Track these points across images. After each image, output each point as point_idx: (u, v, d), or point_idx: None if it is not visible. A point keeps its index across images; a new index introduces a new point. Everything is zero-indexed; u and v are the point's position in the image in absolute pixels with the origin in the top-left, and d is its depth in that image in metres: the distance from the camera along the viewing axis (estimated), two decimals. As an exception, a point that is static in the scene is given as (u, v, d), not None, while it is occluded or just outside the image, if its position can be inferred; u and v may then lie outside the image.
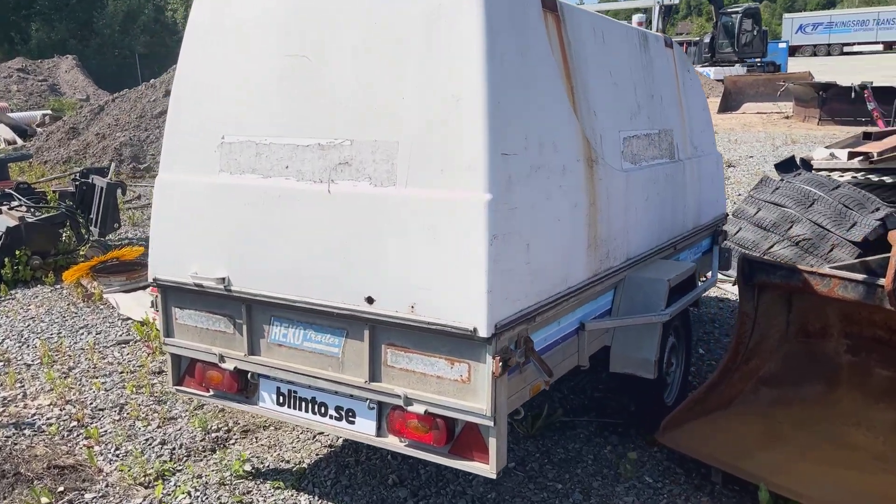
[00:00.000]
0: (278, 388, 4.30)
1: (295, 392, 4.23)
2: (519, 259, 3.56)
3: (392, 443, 3.90)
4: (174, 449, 5.19)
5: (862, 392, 4.69)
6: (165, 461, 5.03)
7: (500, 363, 3.42)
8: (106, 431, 5.46)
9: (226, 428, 5.43)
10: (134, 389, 6.12)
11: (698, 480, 4.55)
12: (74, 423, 5.59)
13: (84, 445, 5.23)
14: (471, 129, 3.40)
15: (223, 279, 4.22)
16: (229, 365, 4.34)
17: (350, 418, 4.02)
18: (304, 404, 4.20)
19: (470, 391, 3.54)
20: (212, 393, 4.58)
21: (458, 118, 3.43)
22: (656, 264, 5.05)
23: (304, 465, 4.88)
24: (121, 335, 7.47)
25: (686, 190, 5.72)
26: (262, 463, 4.94)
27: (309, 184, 3.89)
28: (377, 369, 3.83)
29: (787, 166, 8.77)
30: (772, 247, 7.76)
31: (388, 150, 3.63)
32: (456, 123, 3.43)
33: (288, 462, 4.95)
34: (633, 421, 5.19)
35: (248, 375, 4.36)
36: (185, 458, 5.07)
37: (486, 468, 3.58)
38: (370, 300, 3.73)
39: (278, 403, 4.30)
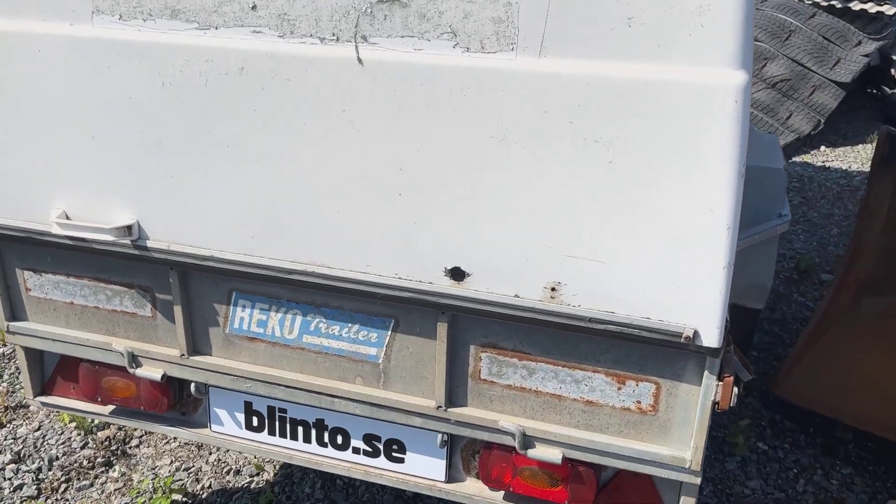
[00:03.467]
0: (248, 405, 2.51)
1: (282, 411, 2.47)
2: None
3: (473, 493, 2.33)
4: (39, 472, 3.26)
5: None
6: (27, 497, 3.11)
7: (731, 387, 1.90)
8: None
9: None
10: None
11: (821, 438, 3.46)
12: None
13: None
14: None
15: (128, 228, 2.22)
16: (151, 372, 2.45)
17: (394, 454, 2.37)
18: (299, 430, 2.47)
19: (655, 428, 2.02)
20: (112, 409, 2.67)
21: None
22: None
23: (260, 483, 3.20)
24: None
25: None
26: (195, 482, 3.19)
27: (309, 45, 1.92)
28: (459, 385, 2.17)
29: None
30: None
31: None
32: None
33: (232, 479, 3.22)
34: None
35: (191, 385, 2.51)
36: (58, 487, 3.17)
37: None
38: (457, 273, 1.99)
39: (248, 427, 2.53)
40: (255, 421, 2.51)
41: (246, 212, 2.12)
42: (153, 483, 3.15)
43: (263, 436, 2.52)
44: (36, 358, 2.69)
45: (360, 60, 1.89)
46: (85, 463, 3.31)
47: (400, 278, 2.04)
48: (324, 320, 2.24)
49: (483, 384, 2.15)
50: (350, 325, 2.22)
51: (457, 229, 1.94)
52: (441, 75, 1.84)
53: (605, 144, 1.77)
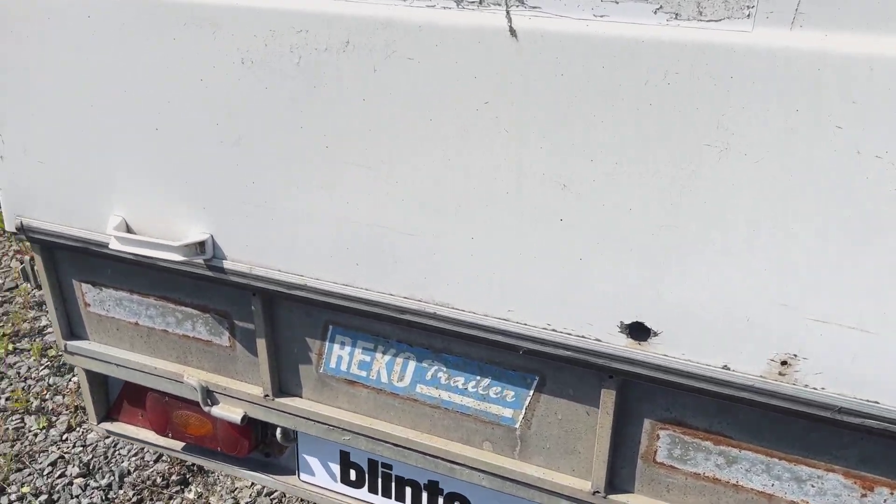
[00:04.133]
0: (345, 455, 2.04)
1: (386, 467, 2.00)
2: None
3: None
4: (109, 489, 2.92)
5: None
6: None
7: None
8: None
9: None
10: (8, 347, 3.66)
11: None
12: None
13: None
14: None
15: (199, 245, 1.75)
16: (228, 412, 2.01)
17: (528, 532, 1.86)
18: (407, 491, 2.00)
19: (913, 551, 1.43)
20: (183, 446, 2.26)
21: None
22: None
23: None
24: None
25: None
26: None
27: (440, 10, 1.37)
28: (624, 467, 1.63)
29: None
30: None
31: None
32: None
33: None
34: None
35: (276, 430, 2.07)
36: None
37: None
38: (639, 331, 1.43)
39: (344, 481, 2.07)
40: (352, 475, 2.05)
41: (349, 232, 1.61)
42: (232, 512, 2.77)
43: (363, 493, 2.06)
44: (99, 380, 2.29)
45: (512, 32, 1.33)
46: (159, 480, 2.96)
47: (554, 331, 1.50)
48: (444, 369, 1.73)
49: (659, 469, 1.60)
50: (479, 377, 1.70)
51: (643, 272, 1.38)
52: (635, 54, 1.26)
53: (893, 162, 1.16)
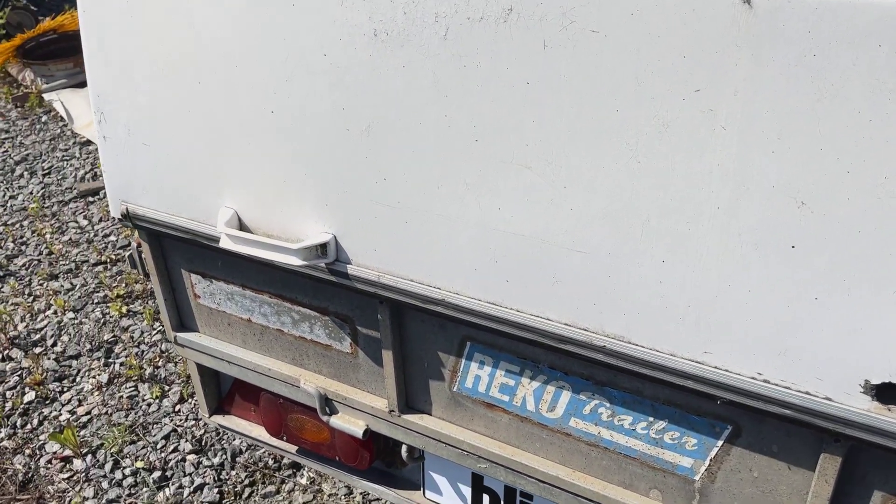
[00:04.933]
0: (477, 479, 1.80)
1: (526, 497, 1.75)
2: None
3: None
4: (221, 469, 2.82)
5: None
6: (208, 503, 2.69)
7: None
8: (79, 419, 3.06)
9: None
10: (122, 310, 3.62)
11: None
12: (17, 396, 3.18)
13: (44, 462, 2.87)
14: None
15: (321, 247, 1.50)
16: (349, 424, 1.80)
17: (695, 588, 1.58)
18: (550, 524, 1.74)
19: None
20: (298, 450, 2.09)
21: None
22: None
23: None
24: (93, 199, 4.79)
25: None
26: None
27: (642, -34, 1.02)
28: (838, 541, 1.31)
29: None
30: None
31: None
32: None
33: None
34: None
35: (401, 447, 1.85)
36: (241, 491, 2.72)
37: None
38: (891, 393, 1.07)
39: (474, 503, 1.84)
40: (486, 500, 1.81)
41: (499, 243, 1.31)
42: None
43: (496, 520, 1.82)
44: (210, 371, 2.13)
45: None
46: (271, 463, 2.84)
47: (766, 382, 1.17)
48: (607, 405, 1.43)
49: (887, 551, 1.27)
50: (651, 419, 1.40)
51: (908, 322, 1.02)
52: (935, 27, 0.88)
53: None
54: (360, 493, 2.71)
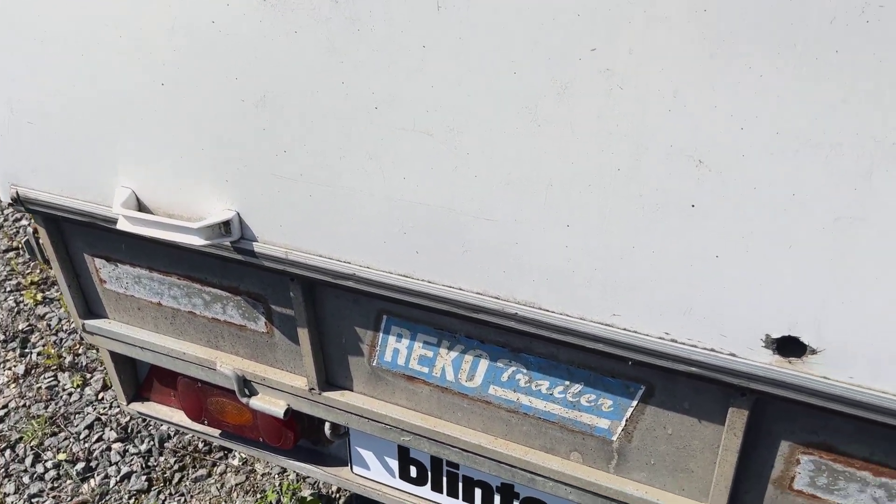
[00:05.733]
0: (404, 451, 1.79)
1: (452, 465, 1.74)
2: None
3: None
4: (149, 455, 2.75)
5: None
6: (136, 491, 2.62)
7: None
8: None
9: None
10: (37, 298, 3.46)
11: None
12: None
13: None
14: None
15: (224, 225, 1.44)
16: (269, 405, 1.75)
17: (620, 544, 1.61)
18: (477, 493, 1.74)
19: None
20: (221, 433, 2.03)
21: None
22: None
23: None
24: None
25: None
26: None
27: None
28: (751, 491, 1.34)
29: None
30: None
31: None
32: None
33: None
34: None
35: (324, 425, 1.81)
36: (171, 477, 2.66)
37: None
38: (791, 348, 1.10)
39: (404, 477, 1.82)
40: (413, 471, 1.80)
41: (406, 214, 1.28)
42: (280, 488, 2.58)
43: (425, 490, 1.81)
44: (124, 358, 2.05)
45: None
46: (201, 446, 2.77)
47: (674, 342, 1.18)
48: (524, 371, 1.43)
49: (796, 497, 1.31)
50: (568, 382, 1.40)
51: (807, 275, 1.04)
52: (819, -21, 0.87)
53: None
54: (294, 472, 2.67)
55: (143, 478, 2.67)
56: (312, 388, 1.69)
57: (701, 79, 0.97)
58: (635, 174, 1.07)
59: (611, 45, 1.00)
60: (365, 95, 1.20)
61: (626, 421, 1.38)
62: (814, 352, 1.08)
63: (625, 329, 1.21)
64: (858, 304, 1.02)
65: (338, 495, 2.57)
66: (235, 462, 2.73)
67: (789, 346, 1.10)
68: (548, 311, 1.25)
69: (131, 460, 2.74)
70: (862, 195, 0.95)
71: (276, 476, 2.66)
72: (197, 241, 1.43)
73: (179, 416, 2.08)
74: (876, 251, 0.97)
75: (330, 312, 1.57)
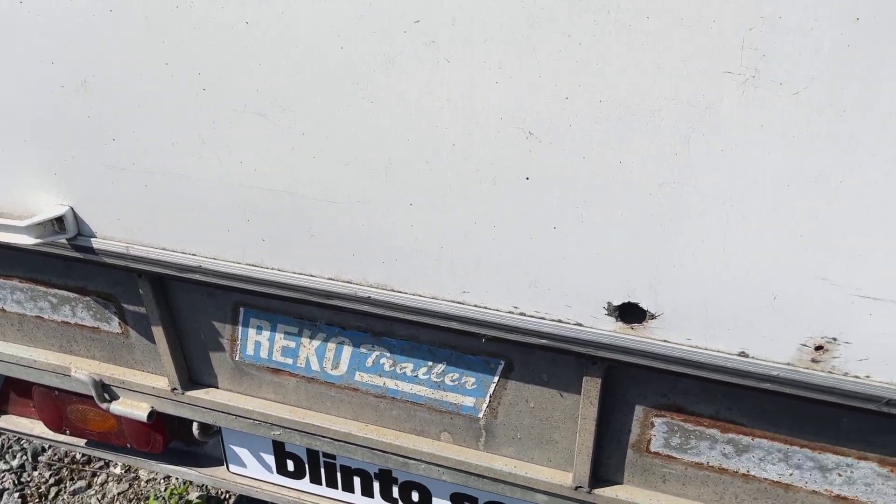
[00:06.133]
0: (279, 445, 1.74)
1: (329, 456, 1.70)
2: None
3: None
4: (22, 471, 2.59)
5: None
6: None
7: None
8: None
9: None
10: None
11: None
12: None
13: None
14: None
15: (56, 222, 1.34)
16: (131, 409, 1.67)
17: (498, 519, 1.62)
18: (356, 481, 1.72)
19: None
20: (87, 442, 1.92)
21: None
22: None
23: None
24: None
25: None
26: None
27: None
28: (612, 457, 1.37)
29: None
30: None
31: None
32: None
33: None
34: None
35: (192, 425, 1.74)
36: (46, 492, 2.51)
37: None
38: (632, 313, 1.12)
39: (281, 472, 1.77)
40: (290, 465, 1.75)
41: (247, 200, 1.22)
42: (165, 493, 2.47)
43: (304, 483, 1.77)
44: (-25, 372, 1.90)
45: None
46: (79, 456, 2.63)
47: (523, 315, 1.17)
48: (387, 355, 1.40)
49: (653, 459, 1.34)
50: (431, 363, 1.38)
51: (638, 242, 1.05)
52: (626, -56, 0.87)
53: None
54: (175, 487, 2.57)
55: (17, 495, 2.51)
56: (175, 388, 1.61)
57: (523, 49, 0.96)
58: (470, 149, 1.05)
59: (434, 16, 0.98)
60: (191, 77, 1.13)
61: (490, 397, 1.38)
62: (653, 317, 1.10)
63: (475, 305, 1.19)
64: (688, 267, 1.04)
65: (227, 496, 2.49)
66: (117, 470, 2.60)
67: (630, 313, 1.11)
68: (401, 292, 1.23)
69: (2, 477, 2.57)
70: (682, 160, 0.96)
71: (162, 481, 2.55)
72: (27, 241, 1.33)
73: (40, 428, 1.95)
74: (699, 214, 0.99)
75: (184, 308, 1.50)
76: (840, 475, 1.22)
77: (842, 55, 0.85)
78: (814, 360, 1.06)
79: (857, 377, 1.05)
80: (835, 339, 1.03)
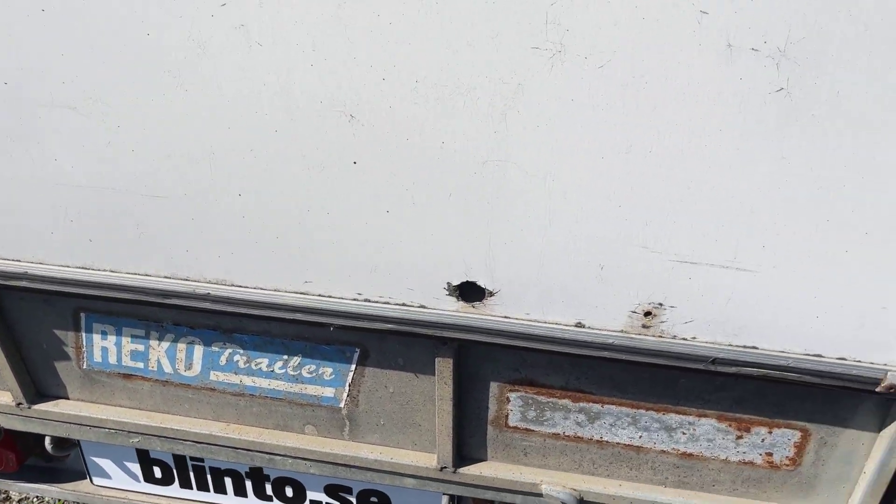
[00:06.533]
0: (143, 452, 1.66)
1: (197, 459, 1.65)
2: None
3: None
4: None
5: None
6: None
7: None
8: None
9: None
10: None
11: None
12: None
13: None
14: None
15: None
16: (-26, 429, 1.56)
17: (374, 507, 1.61)
18: (227, 482, 1.67)
19: (791, 486, 1.30)
20: (-61, 465, 1.79)
21: None
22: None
23: None
24: None
25: None
26: None
27: None
28: (473, 436, 1.38)
29: None
30: None
31: None
32: None
33: None
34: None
35: (45, 439, 1.64)
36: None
37: None
38: (471, 292, 1.12)
39: (148, 479, 1.70)
40: (157, 472, 1.68)
41: (69, 200, 1.15)
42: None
43: (174, 489, 1.70)
44: None
45: None
46: (-61, 483, 2.44)
47: (367, 301, 1.16)
48: (241, 351, 1.36)
49: (512, 433, 1.35)
50: (286, 356, 1.35)
51: (468, 221, 1.05)
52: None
53: (790, 61, 0.87)
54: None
55: None
56: (20, 403, 1.51)
57: (335, 29, 0.94)
58: (293, 135, 1.02)
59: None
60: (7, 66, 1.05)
61: (349, 386, 1.36)
62: (491, 294, 1.11)
63: (319, 295, 1.17)
64: (519, 243, 1.05)
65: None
66: (-16, 493, 2.44)
67: (470, 291, 1.12)
68: (241, 286, 1.19)
69: None
70: (501, 138, 0.97)
71: (35, 500, 2.42)
72: None
73: None
74: (523, 190, 1.00)
75: (20, 318, 1.40)
76: (684, 433, 1.27)
77: (639, 27, 0.87)
78: (644, 326, 1.09)
79: (684, 339, 1.09)
80: (661, 304, 1.06)
